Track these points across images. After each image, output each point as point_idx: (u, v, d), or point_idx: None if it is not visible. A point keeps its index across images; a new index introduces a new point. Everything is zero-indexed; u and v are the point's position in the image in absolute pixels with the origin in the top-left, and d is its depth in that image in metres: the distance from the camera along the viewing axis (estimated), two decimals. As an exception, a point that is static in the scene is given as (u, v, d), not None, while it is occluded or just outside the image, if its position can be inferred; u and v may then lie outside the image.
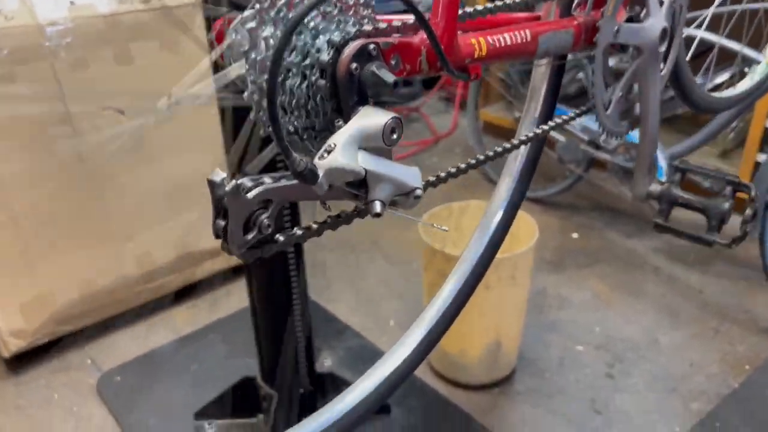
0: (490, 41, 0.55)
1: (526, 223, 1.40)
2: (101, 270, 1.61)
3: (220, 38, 0.54)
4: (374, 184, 0.45)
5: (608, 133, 0.74)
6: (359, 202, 0.46)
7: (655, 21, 0.69)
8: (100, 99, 1.46)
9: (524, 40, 0.58)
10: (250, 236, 0.42)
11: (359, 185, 0.45)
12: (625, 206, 2.24)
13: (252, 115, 0.45)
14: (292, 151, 0.39)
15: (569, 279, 1.87)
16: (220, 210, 0.41)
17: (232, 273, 1.89)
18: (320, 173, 0.41)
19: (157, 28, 1.56)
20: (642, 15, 0.69)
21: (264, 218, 0.42)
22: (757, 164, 1.96)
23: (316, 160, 0.42)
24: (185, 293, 1.82)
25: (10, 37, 1.35)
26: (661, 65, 0.74)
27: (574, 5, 0.67)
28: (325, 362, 1.56)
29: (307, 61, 0.45)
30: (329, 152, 0.42)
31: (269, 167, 0.54)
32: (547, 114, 0.82)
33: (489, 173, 2.43)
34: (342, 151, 0.42)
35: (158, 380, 1.53)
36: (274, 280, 1.18)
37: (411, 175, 0.47)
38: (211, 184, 0.40)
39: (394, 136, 0.44)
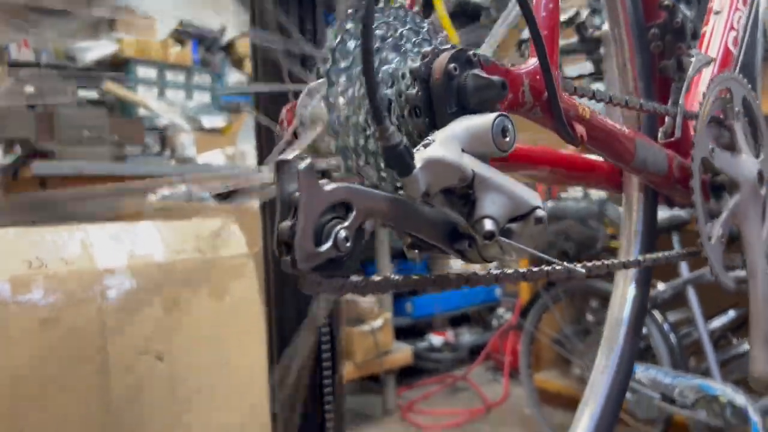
0: (595, 112, 0.51)
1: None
2: None
3: (290, 122, 0.51)
4: (483, 196, 0.35)
5: (715, 276, 0.64)
6: (463, 221, 0.36)
7: (750, 159, 0.65)
8: (140, 341, 1.43)
9: (624, 134, 0.55)
10: (322, 248, 0.33)
11: (463, 198, 0.36)
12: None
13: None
14: (386, 118, 0.32)
15: None
16: (288, 205, 0.32)
17: None
18: (417, 164, 0.33)
19: (207, 276, 1.60)
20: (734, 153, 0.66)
21: (341, 229, 0.33)
22: None
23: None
24: None
25: (66, 281, 1.38)
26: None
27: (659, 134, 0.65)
28: None
29: (396, 70, 0.39)
30: (427, 146, 0.34)
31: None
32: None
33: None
34: (443, 143, 0.34)
35: None
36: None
37: (528, 192, 0.37)
38: (280, 166, 0.32)
39: (507, 139, 0.36)
